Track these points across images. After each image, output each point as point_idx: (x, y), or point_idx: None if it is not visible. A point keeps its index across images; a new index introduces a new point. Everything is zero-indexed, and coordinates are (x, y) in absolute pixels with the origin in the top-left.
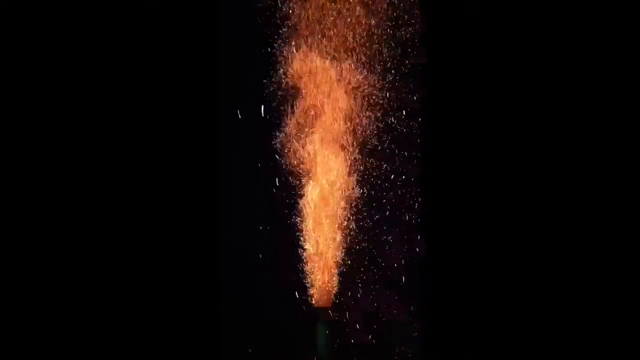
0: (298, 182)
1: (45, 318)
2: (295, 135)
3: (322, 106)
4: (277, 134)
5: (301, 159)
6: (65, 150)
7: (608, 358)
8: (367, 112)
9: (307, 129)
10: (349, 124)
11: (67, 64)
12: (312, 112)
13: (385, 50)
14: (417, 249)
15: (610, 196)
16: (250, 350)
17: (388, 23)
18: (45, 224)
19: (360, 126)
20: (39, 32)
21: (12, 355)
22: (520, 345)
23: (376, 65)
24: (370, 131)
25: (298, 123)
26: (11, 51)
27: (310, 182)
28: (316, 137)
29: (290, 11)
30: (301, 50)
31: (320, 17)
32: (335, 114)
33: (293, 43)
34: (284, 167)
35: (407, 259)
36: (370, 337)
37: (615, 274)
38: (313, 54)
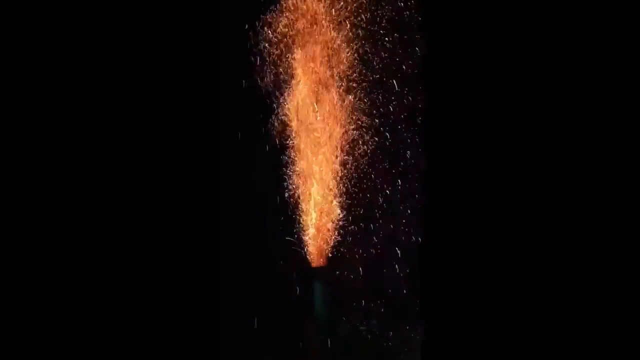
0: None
1: (46, 318)
2: (291, 125)
3: (319, 101)
4: (273, 126)
5: (298, 144)
6: (65, 151)
7: (607, 353)
8: (366, 104)
9: (303, 123)
10: (346, 115)
11: (68, 64)
12: (310, 109)
13: (385, 49)
14: (414, 236)
15: (599, 192)
16: (250, 312)
17: (388, 22)
18: (46, 225)
19: (359, 115)
20: (39, 32)
21: (12, 355)
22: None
23: (375, 63)
24: (368, 118)
25: (295, 119)
26: (11, 51)
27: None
28: (311, 117)
29: (290, 11)
30: (300, 49)
31: (321, 17)
32: (332, 108)
33: (292, 42)
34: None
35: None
36: (367, 295)
37: (613, 268)
38: (312, 53)
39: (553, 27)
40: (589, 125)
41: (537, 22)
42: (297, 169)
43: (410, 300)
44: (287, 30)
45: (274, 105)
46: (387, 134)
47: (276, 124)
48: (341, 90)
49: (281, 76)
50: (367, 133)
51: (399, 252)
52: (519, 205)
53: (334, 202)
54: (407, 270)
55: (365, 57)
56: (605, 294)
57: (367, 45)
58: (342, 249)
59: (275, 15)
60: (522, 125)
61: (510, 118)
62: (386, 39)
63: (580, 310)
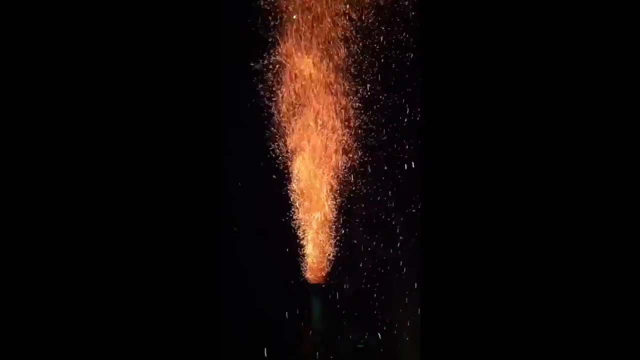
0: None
1: (45, 319)
2: (288, 123)
3: (316, 98)
4: (271, 123)
5: (295, 148)
6: (61, 152)
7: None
8: (361, 95)
9: (300, 121)
10: (342, 112)
11: (65, 63)
12: (308, 105)
13: (382, 48)
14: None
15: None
16: (247, 325)
17: (387, 22)
18: (45, 225)
19: (354, 112)
20: (39, 32)
21: (12, 355)
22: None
23: (372, 61)
24: (363, 115)
25: (293, 116)
26: (11, 51)
27: (303, 165)
28: (308, 124)
29: (288, 11)
30: (298, 47)
31: (319, 16)
32: (328, 103)
33: (291, 39)
34: (277, 153)
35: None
36: (363, 311)
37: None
38: (310, 51)
39: (554, 28)
40: (590, 127)
41: (538, 23)
42: (298, 180)
43: (410, 314)
44: (287, 26)
45: (275, 115)
46: (385, 141)
47: (276, 130)
48: (341, 92)
49: (282, 77)
50: (366, 139)
51: (400, 265)
52: (521, 212)
53: (333, 216)
54: (409, 286)
55: (362, 56)
56: (604, 285)
57: (364, 44)
58: (341, 265)
59: (274, 14)
60: (523, 126)
61: (510, 119)
62: (384, 38)
63: (582, 312)
